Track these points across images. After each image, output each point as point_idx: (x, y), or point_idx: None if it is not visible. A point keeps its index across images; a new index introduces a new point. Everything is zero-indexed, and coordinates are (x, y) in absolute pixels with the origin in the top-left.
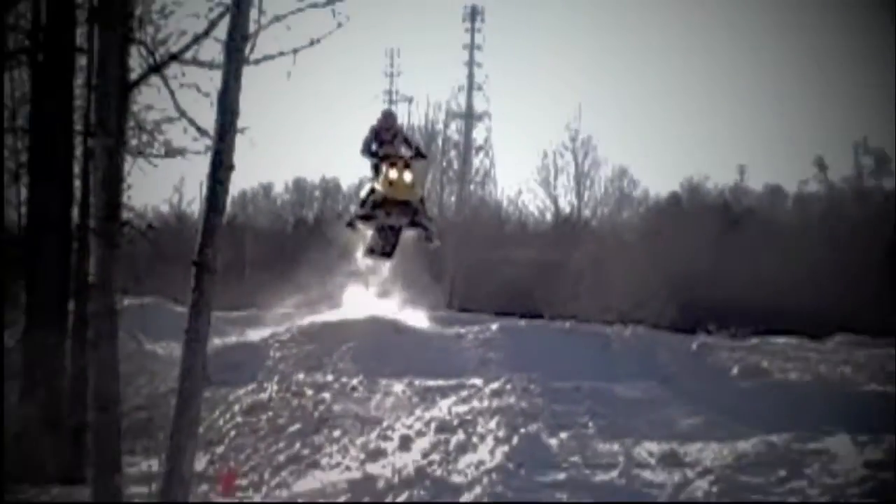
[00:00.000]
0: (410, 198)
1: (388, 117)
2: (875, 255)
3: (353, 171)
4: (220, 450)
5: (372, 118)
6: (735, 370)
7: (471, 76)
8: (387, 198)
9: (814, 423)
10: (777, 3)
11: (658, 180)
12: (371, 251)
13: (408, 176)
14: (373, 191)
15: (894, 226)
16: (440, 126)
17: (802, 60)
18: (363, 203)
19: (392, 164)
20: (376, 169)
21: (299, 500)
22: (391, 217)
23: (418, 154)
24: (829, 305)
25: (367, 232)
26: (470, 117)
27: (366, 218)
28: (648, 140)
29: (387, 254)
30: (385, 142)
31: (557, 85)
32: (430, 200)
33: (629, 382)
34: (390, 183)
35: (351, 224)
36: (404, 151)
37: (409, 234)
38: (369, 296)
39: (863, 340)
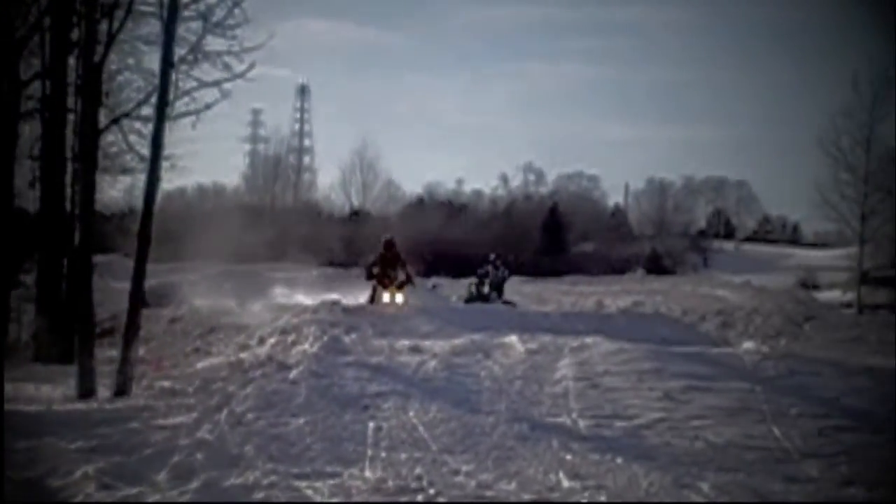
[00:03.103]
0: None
1: (391, 245)
2: (534, 230)
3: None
4: (152, 344)
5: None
6: (454, 297)
7: (301, 126)
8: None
9: (498, 328)
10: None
11: (410, 185)
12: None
13: (399, 297)
14: (374, 290)
15: (547, 212)
16: (283, 153)
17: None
18: (368, 275)
19: (385, 287)
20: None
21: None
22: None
23: (408, 280)
24: (508, 258)
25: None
26: (300, 151)
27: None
28: (406, 159)
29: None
30: (388, 262)
31: (351, 123)
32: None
33: (394, 311)
34: (384, 298)
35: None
36: (401, 273)
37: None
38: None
39: (528, 280)
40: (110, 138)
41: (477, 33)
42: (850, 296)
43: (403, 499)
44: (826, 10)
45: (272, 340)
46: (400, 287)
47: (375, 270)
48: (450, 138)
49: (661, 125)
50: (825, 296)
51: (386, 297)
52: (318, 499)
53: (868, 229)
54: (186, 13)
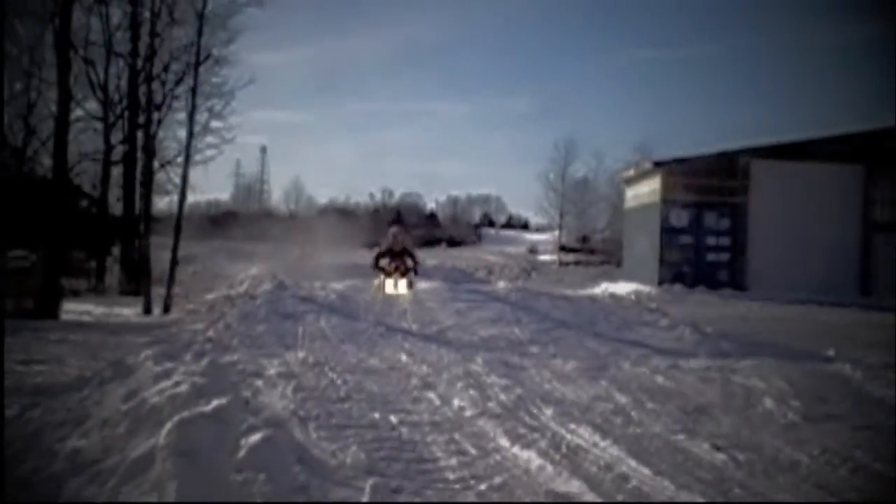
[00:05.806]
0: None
1: (400, 231)
2: (387, 224)
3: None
4: (182, 286)
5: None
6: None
7: (262, 167)
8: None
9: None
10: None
11: (321, 197)
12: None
13: (402, 286)
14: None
15: (394, 213)
16: (252, 183)
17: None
18: (375, 265)
19: (388, 275)
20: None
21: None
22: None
23: (414, 266)
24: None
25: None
26: (262, 181)
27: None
28: (319, 181)
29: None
30: (397, 254)
31: (291, 162)
32: (249, 208)
33: (314, 267)
34: (387, 287)
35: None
36: (408, 261)
37: None
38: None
39: None
40: (160, 175)
41: (358, 113)
42: (554, 257)
43: (317, 369)
44: (539, 102)
45: (247, 283)
46: (404, 274)
47: (384, 263)
48: (341, 170)
49: (451, 162)
50: (542, 258)
51: (389, 285)
52: (272, 369)
53: (564, 222)
54: (201, 108)
